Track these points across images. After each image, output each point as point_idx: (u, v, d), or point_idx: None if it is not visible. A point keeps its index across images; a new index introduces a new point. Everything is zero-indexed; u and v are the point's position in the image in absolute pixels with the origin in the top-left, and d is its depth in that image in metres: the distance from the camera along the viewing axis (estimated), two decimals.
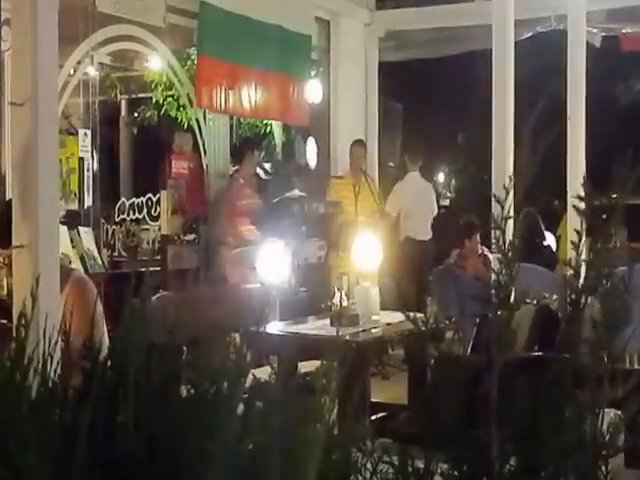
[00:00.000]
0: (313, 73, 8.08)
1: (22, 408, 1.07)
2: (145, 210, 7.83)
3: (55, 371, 1.16)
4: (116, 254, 7.58)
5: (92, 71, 7.76)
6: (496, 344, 1.16)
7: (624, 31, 8.14)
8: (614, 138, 8.66)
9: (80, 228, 7.03)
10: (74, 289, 2.96)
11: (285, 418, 1.09)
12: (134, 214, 7.84)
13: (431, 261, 7.97)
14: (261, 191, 7.85)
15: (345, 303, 5.19)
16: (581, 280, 1.20)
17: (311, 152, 8.61)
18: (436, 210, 8.78)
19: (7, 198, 4.88)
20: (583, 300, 1.18)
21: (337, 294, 5.27)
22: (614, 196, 1.23)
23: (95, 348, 1.19)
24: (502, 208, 1.19)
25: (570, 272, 1.18)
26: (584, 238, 1.22)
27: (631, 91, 13.17)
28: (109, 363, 1.18)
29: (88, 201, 7.68)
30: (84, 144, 7.54)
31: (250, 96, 7.01)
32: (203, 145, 7.88)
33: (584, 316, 1.18)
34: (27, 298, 1.27)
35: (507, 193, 1.18)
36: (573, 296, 1.17)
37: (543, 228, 7.55)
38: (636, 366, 5.84)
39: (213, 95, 6.69)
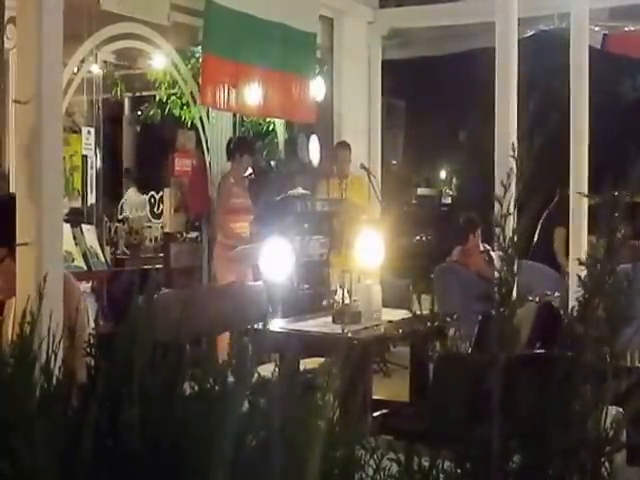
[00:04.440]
0: (317, 71, 8.08)
1: (27, 405, 1.07)
2: (148, 208, 7.84)
3: (60, 368, 1.17)
4: (119, 252, 7.59)
5: (96, 69, 7.78)
6: (498, 341, 1.17)
7: (614, 31, 8.13)
8: (618, 137, 8.65)
9: (83, 226, 7.04)
10: None
11: (288, 415, 1.10)
12: (137, 212, 7.85)
13: None
14: (251, 190, 7.80)
15: (347, 301, 5.20)
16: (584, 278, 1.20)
17: (314, 150, 8.61)
18: None
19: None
20: (594, 298, 1.18)
21: (339, 292, 5.28)
22: (617, 194, 1.23)
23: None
24: (501, 206, 1.20)
25: (583, 270, 1.19)
26: (586, 236, 1.22)
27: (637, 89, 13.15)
28: (112, 360, 1.19)
29: (91, 199, 7.70)
30: (87, 142, 7.55)
31: (254, 94, 7.02)
32: (206, 143, 7.88)
33: (587, 312, 1.18)
34: (31, 296, 1.28)
35: (506, 190, 1.19)
36: (586, 295, 1.17)
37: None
38: (637, 364, 5.84)
39: (218, 93, 6.69)
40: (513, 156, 1.25)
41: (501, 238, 1.19)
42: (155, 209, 7.78)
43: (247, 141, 8.05)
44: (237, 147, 7.64)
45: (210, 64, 6.67)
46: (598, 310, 1.19)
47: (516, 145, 1.28)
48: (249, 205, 7.54)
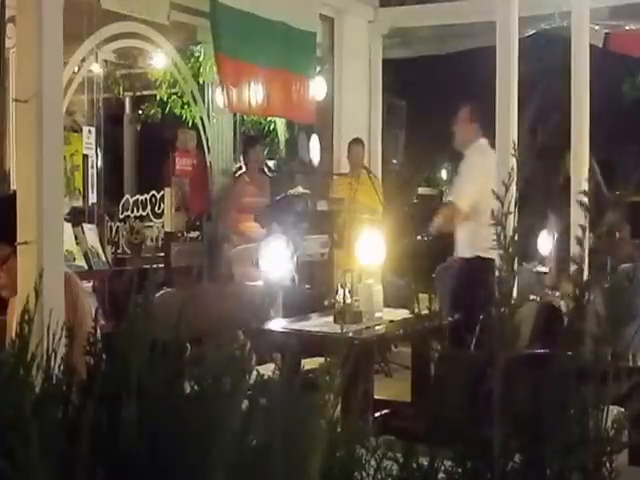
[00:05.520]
0: (318, 70, 8.07)
1: (25, 404, 1.07)
2: (149, 207, 7.84)
3: (59, 367, 1.17)
4: (120, 251, 7.58)
5: (96, 68, 7.77)
6: (499, 340, 1.16)
7: (616, 30, 8.13)
8: (618, 135, 8.66)
9: (84, 225, 7.04)
10: None
11: (289, 415, 1.09)
12: (138, 211, 7.84)
13: None
14: (271, 189, 7.86)
15: (348, 300, 5.19)
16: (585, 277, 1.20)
17: (314, 149, 8.61)
18: None
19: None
20: (587, 296, 1.18)
21: (340, 291, 5.27)
22: (617, 193, 1.23)
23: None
24: (502, 204, 1.19)
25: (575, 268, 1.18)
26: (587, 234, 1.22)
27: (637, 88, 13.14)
28: (113, 359, 1.19)
29: (92, 198, 7.70)
30: (88, 141, 7.55)
31: (256, 93, 7.02)
32: (207, 142, 7.88)
33: (587, 312, 1.18)
34: (31, 294, 1.27)
35: (507, 189, 1.18)
36: (577, 292, 1.17)
37: None
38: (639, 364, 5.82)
39: (230, 93, 6.69)
40: (514, 154, 1.25)
41: (501, 237, 1.19)
42: (156, 208, 7.78)
43: (250, 136, 8.14)
44: (244, 145, 7.75)
45: (223, 63, 6.65)
46: (592, 308, 1.18)
47: (517, 144, 1.28)
48: (261, 203, 7.56)
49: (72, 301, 2.80)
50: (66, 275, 3.01)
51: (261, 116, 8.30)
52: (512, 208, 1.22)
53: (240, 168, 7.94)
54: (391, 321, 5.23)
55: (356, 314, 5.14)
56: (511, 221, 1.22)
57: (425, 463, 1.18)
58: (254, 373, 1.14)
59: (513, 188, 1.25)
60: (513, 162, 1.27)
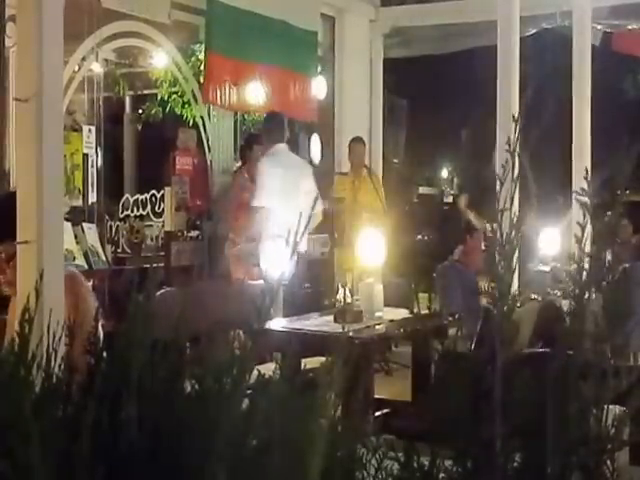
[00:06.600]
0: (319, 69, 8.07)
1: (25, 403, 1.07)
2: (149, 206, 7.83)
3: (59, 366, 1.16)
4: (120, 250, 7.57)
5: (97, 67, 7.76)
6: (499, 339, 1.16)
7: (618, 30, 8.13)
8: (620, 134, 8.64)
9: (84, 224, 7.03)
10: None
11: (289, 414, 1.09)
12: (138, 210, 7.84)
13: None
14: None
15: (349, 299, 5.19)
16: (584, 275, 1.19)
17: (315, 148, 8.61)
18: None
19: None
20: (586, 295, 1.17)
21: (341, 290, 5.27)
22: (619, 192, 1.23)
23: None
24: (499, 202, 1.19)
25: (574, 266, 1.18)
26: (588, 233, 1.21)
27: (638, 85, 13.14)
28: (113, 359, 1.19)
29: (92, 197, 7.69)
30: (88, 140, 7.53)
31: (256, 92, 7.02)
32: (207, 142, 7.88)
33: (586, 311, 1.18)
34: (31, 294, 1.27)
35: (502, 185, 1.18)
36: (576, 291, 1.16)
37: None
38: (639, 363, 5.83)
39: (220, 91, 6.70)
40: (509, 151, 1.24)
41: (498, 234, 1.19)
42: (156, 208, 7.77)
43: (253, 134, 8.13)
44: (246, 142, 7.75)
45: (213, 62, 6.67)
46: (588, 307, 1.18)
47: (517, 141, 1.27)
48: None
49: (74, 300, 2.80)
50: (70, 273, 3.01)
51: (257, 113, 8.29)
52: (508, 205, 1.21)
53: (241, 167, 7.92)
54: (391, 320, 5.23)
55: (356, 313, 5.13)
56: (507, 218, 1.21)
57: (426, 462, 1.17)
58: (254, 373, 1.14)
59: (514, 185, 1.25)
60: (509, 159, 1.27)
